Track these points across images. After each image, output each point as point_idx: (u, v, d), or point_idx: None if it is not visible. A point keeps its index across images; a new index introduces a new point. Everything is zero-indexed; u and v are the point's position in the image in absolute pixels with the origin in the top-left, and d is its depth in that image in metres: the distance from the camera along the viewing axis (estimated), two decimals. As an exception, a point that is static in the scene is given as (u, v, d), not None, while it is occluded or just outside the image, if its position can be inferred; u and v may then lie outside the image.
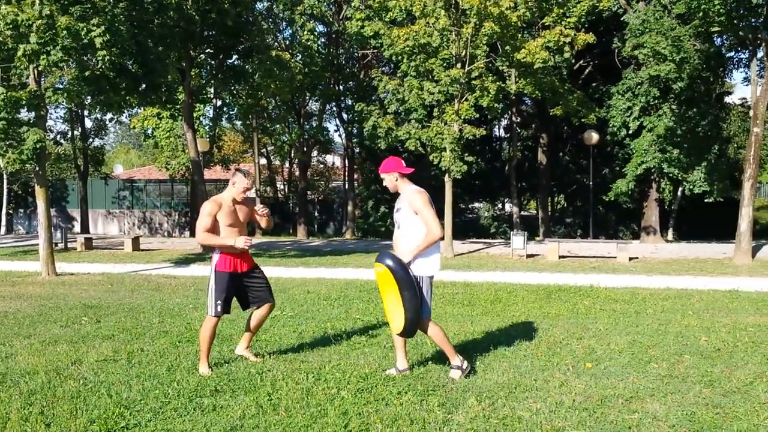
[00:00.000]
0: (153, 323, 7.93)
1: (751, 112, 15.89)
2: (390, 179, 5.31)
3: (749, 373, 5.39)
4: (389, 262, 5.06)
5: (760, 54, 15.75)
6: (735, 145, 33.47)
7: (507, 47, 17.92)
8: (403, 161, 5.38)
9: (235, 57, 21.48)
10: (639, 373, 5.41)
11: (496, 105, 18.45)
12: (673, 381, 5.18)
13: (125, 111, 22.36)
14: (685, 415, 4.36)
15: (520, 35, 18.13)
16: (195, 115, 25.51)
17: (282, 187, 40.00)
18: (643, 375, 5.37)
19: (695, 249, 19.27)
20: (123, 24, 13.49)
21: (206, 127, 30.69)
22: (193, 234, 31.02)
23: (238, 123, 32.84)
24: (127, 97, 15.85)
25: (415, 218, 5.13)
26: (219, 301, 5.45)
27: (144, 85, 15.92)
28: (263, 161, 36.60)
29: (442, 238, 5.14)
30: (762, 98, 15.44)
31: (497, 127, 35.03)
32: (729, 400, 4.69)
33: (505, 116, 30.48)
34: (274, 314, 8.42)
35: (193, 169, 22.15)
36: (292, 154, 33.32)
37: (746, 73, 29.45)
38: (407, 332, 5.15)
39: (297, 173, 33.08)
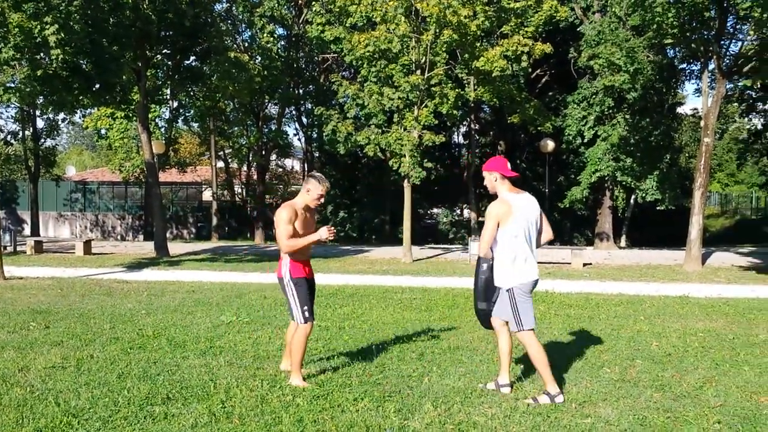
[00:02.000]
0: (104, 329, 7.74)
1: (702, 123, 16.31)
2: (490, 179, 5.16)
3: (699, 377, 5.52)
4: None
5: (711, 66, 16.18)
6: (686, 155, 34.41)
7: (466, 55, 18.09)
8: (508, 163, 5.23)
9: (192, 58, 21.17)
10: (592, 378, 5.49)
11: (455, 112, 18.60)
12: (625, 385, 5.27)
13: (78, 111, 21.84)
14: (637, 420, 4.44)
15: (478, 43, 18.32)
16: (150, 116, 25.08)
17: (240, 190, 39.55)
18: (595, 379, 5.45)
19: (647, 255, 19.70)
20: (77, 23, 13.17)
21: (162, 129, 30.23)
22: (148, 238, 30.48)
23: (195, 125, 32.41)
24: (81, 97, 15.51)
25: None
26: (306, 307, 5.24)
27: (98, 85, 15.59)
28: (220, 164, 36.16)
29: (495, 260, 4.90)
30: (713, 109, 15.87)
31: (456, 133, 35.30)
32: (679, 404, 4.79)
33: (464, 123, 30.74)
34: (230, 320, 8.32)
35: (147, 171, 21.73)
36: (251, 158, 33.03)
37: (698, 85, 30.30)
38: (478, 319, 5.37)
39: (255, 177, 32.77)
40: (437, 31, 16.67)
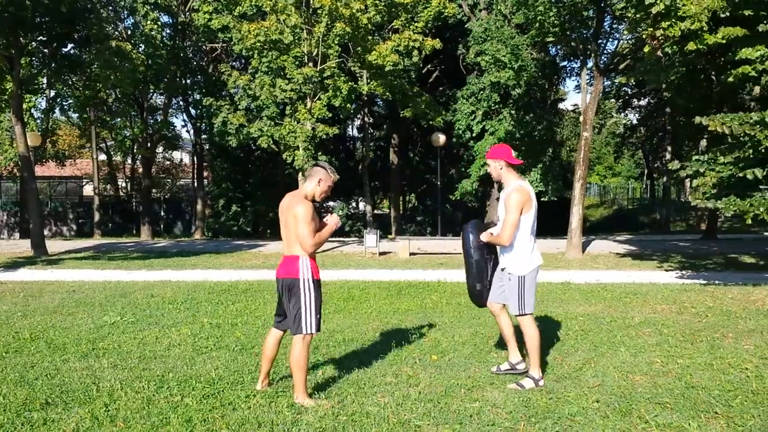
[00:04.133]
0: (-27, 334, 7.21)
1: (582, 118, 17.15)
2: (495, 167, 5.12)
3: (579, 359, 5.81)
4: (466, 227, 5.37)
5: (590, 64, 17.02)
6: (567, 149, 36.15)
7: (359, 48, 18.13)
8: (513, 151, 5.20)
9: (70, 46, 20.07)
10: (480, 364, 5.67)
11: (348, 105, 18.61)
12: (510, 369, 5.46)
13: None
14: (522, 402, 4.62)
15: (370, 37, 18.40)
16: (25, 106, 23.57)
17: (124, 184, 37.90)
18: (484, 365, 5.63)
19: (533, 245, 20.51)
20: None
21: (38, 120, 28.50)
22: (24, 235, 28.62)
23: (74, 116, 30.73)
24: (-55, 86, 14.38)
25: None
26: (319, 315, 4.70)
27: (-35, 73, 14.51)
28: (102, 157, 34.50)
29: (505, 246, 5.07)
30: (591, 105, 16.73)
31: (351, 127, 35.41)
32: (561, 385, 5.02)
33: (358, 116, 30.88)
34: (114, 320, 7.96)
35: (22, 165, 20.39)
36: (135, 150, 31.68)
37: (578, 82, 31.84)
38: (471, 298, 5.51)
39: (140, 170, 31.47)
40: (329, 23, 16.61)
